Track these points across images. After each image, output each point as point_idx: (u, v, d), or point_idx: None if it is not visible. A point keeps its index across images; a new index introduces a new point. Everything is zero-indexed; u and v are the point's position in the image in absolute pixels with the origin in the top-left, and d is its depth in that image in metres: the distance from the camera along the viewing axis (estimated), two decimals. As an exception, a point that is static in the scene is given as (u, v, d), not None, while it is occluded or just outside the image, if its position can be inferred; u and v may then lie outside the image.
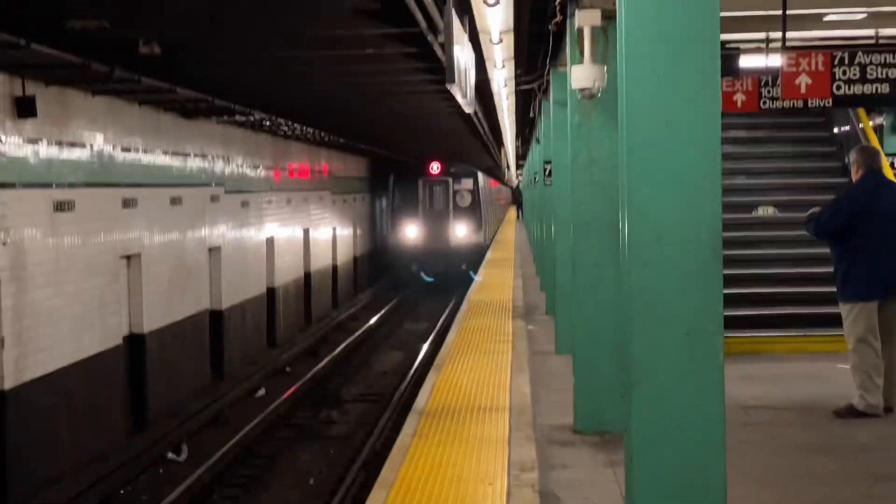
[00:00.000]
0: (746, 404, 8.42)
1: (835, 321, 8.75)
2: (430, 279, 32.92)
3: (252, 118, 17.69)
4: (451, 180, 33.42)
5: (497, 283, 19.60)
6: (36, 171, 11.90)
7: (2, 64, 10.65)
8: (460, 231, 33.23)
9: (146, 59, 10.82)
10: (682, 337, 4.34)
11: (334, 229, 28.89)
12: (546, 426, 8.06)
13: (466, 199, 33.47)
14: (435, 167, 33.35)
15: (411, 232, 33.15)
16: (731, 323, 10.27)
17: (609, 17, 7.33)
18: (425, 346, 21.34)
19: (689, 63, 4.34)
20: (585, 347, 7.87)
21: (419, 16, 8.49)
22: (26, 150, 11.75)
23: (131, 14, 9.36)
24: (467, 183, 33.71)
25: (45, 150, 12.16)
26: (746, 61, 11.40)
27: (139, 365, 14.82)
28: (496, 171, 60.99)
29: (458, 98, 8.52)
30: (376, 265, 34.93)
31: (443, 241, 33.01)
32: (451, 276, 32.01)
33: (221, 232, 18.43)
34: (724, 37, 11.19)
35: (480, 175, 34.88)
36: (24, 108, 11.45)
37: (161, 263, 15.49)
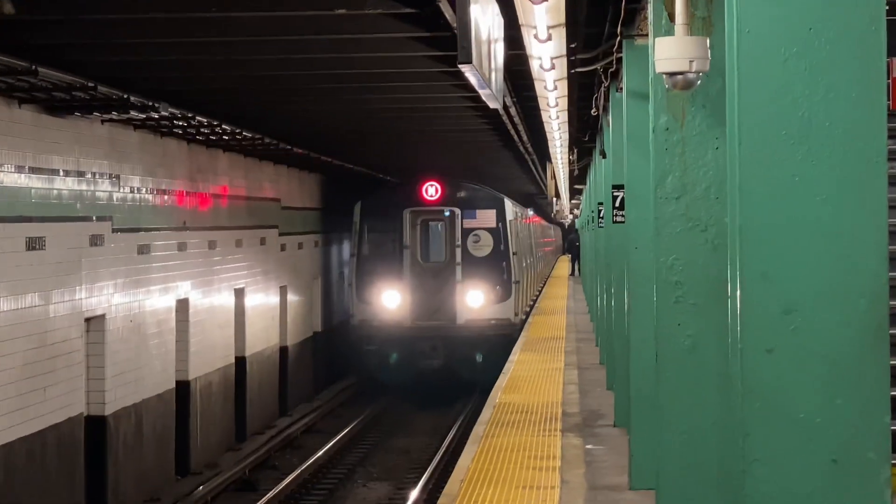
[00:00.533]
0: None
1: None
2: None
3: (156, 115, 17.75)
4: (458, 212, 31.66)
5: (537, 376, 19.53)
6: None
7: None
8: (474, 299, 31.34)
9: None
10: (826, 466, 4.32)
11: (283, 289, 28.91)
12: None
13: (485, 245, 31.62)
14: (431, 190, 31.67)
15: (389, 300, 31.28)
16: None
17: (714, -39, 7.38)
18: (425, 476, 21.26)
19: (840, 34, 4.34)
20: (676, 480, 7.84)
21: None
22: None
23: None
24: (486, 217, 31.84)
25: None
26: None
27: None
28: (537, 201, 61.19)
29: (476, 84, 8.55)
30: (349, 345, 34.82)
31: (443, 317, 31.31)
32: (458, 379, 30.71)
33: (107, 293, 18.44)
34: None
35: (509, 204, 33.17)
36: None
37: (9, 342, 15.49)
